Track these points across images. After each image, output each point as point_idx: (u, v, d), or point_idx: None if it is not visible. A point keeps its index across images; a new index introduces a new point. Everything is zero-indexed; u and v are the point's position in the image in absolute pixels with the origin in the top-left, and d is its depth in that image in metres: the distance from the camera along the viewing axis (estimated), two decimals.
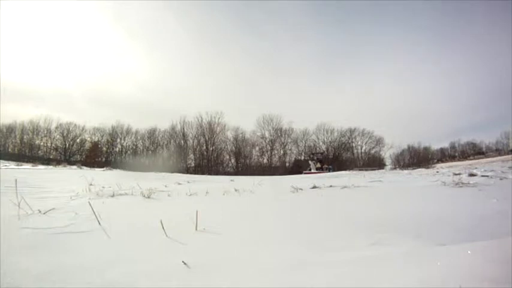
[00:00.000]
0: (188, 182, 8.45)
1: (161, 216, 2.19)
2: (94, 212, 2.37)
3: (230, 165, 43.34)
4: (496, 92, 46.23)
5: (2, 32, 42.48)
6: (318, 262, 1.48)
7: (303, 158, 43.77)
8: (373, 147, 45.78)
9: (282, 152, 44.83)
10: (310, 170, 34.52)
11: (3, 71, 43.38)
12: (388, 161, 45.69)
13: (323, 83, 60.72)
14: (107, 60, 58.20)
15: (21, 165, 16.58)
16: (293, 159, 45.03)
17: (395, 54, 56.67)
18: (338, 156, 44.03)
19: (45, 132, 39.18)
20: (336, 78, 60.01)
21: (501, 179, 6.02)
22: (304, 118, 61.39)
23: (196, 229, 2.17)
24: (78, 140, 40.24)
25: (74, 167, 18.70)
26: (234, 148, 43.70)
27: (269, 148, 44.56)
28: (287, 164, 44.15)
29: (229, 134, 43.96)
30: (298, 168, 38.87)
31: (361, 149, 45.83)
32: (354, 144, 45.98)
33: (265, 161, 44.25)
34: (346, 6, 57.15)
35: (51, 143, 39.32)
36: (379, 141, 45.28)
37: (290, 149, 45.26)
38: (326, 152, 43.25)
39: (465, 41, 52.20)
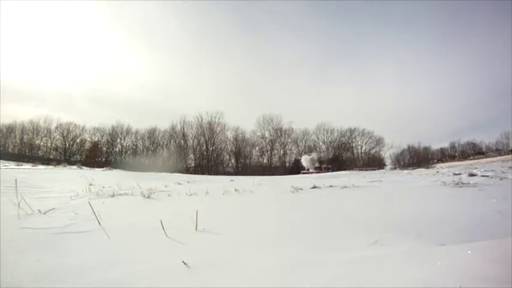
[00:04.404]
0: (188, 182, 8.44)
1: (161, 216, 2.19)
2: (94, 212, 2.36)
3: (230, 165, 43.39)
4: (496, 92, 46.30)
5: (2, 32, 42.56)
6: (318, 262, 1.47)
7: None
8: (373, 147, 45.83)
9: (282, 152, 44.88)
10: (307, 170, 34.52)
11: (3, 71, 43.44)
12: (388, 161, 45.68)
13: (323, 83, 60.76)
14: (107, 60, 58.29)
15: (21, 165, 16.57)
16: (293, 159, 45.05)
17: (396, 54, 56.74)
18: (338, 156, 43.99)
19: (45, 132, 39.21)
20: (336, 78, 60.01)
21: (501, 179, 6.03)
22: (304, 118, 61.54)
23: (196, 229, 2.17)
24: (78, 140, 40.25)
25: (74, 167, 18.71)
26: (234, 148, 43.74)
27: (269, 148, 44.61)
28: (287, 164, 44.15)
29: (229, 134, 44.03)
30: (298, 168, 38.92)
31: (361, 149, 45.89)
32: (354, 144, 46.05)
33: (265, 161, 44.31)
34: (346, 6, 57.23)
35: (51, 143, 39.35)
36: (379, 141, 45.32)
37: (290, 149, 45.31)
38: (326, 152, 43.24)
39: (465, 41, 52.24)
